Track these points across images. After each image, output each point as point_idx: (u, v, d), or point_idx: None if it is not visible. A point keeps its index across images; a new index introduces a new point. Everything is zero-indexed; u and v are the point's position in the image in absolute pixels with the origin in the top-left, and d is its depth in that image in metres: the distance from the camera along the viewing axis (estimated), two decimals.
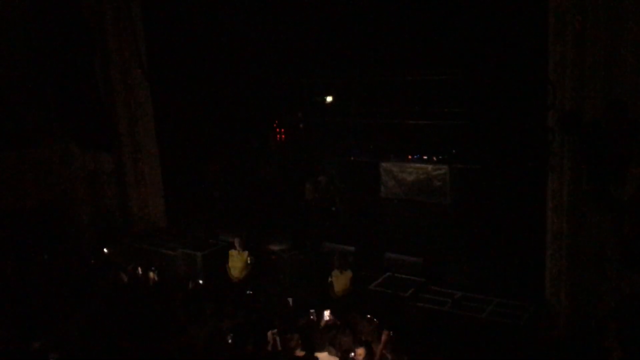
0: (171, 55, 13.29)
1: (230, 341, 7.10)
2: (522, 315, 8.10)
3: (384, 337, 6.88)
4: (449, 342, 7.55)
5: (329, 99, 19.40)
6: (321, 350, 6.67)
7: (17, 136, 11.23)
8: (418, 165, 14.91)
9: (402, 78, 16.12)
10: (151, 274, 9.95)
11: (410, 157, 15.42)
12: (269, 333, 7.18)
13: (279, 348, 6.93)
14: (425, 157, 15.13)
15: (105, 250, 11.03)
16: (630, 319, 6.84)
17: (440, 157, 15.03)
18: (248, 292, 9.67)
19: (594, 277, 7.74)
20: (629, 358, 6.15)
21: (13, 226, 10.91)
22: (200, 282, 9.48)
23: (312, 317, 7.76)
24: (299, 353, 6.78)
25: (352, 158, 17.84)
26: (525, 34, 6.96)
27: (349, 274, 9.34)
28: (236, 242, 10.46)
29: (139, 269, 10.02)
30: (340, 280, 9.30)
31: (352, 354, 6.51)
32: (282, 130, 18.29)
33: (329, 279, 9.41)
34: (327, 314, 7.90)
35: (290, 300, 8.26)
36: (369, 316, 7.82)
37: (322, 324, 7.74)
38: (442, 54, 13.72)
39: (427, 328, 8.03)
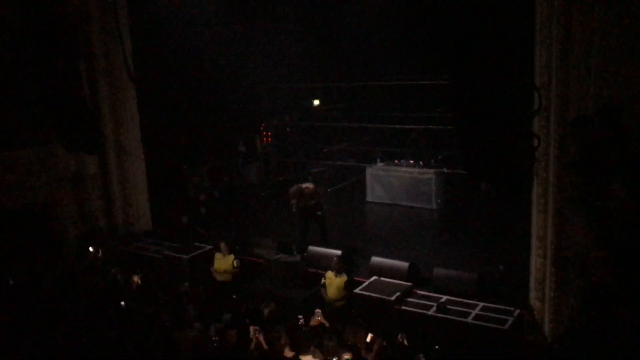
0: (157, 58, 13.24)
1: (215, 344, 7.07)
2: (507, 320, 8.15)
3: (376, 347, 6.86)
4: (434, 345, 7.55)
5: (316, 102, 19.47)
6: (306, 352, 6.63)
7: (1, 138, 11.10)
8: (404, 169, 14.98)
9: (389, 83, 16.25)
10: (135, 278, 9.86)
11: (396, 161, 15.49)
12: (251, 328, 7.13)
13: (265, 347, 6.89)
14: (411, 162, 15.20)
15: (90, 249, 10.90)
16: (614, 322, 6.89)
17: (426, 161, 15.13)
18: (234, 296, 9.63)
19: (578, 281, 7.80)
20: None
21: None
22: (186, 285, 9.39)
23: (300, 320, 7.73)
24: (288, 353, 6.74)
25: (338, 162, 17.91)
26: (512, 39, 7.01)
27: (343, 278, 9.26)
28: (222, 245, 10.41)
29: (119, 273, 9.93)
30: (333, 284, 9.24)
31: (336, 358, 6.47)
32: (269, 133, 18.30)
33: (322, 281, 9.38)
34: (318, 314, 7.86)
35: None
36: (357, 321, 7.81)
37: (313, 323, 7.71)
38: (428, 60, 13.84)
39: (412, 332, 8.02)
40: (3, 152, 11.12)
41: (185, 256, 10.93)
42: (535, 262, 8.44)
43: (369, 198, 15.42)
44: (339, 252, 10.36)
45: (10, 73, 11.01)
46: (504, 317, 8.23)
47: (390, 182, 15.06)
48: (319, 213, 11.77)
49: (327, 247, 11.03)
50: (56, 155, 11.80)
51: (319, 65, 17.99)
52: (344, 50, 17.67)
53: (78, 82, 10.77)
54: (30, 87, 11.06)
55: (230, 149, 17.44)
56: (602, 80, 7.20)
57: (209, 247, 11.23)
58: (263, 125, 18.24)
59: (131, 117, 12.36)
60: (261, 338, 6.94)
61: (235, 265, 10.23)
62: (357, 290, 9.24)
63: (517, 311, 8.40)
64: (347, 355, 6.47)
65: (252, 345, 6.91)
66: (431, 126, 15.10)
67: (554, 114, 7.68)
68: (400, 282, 9.48)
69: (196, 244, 11.59)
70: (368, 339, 7.03)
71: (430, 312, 8.50)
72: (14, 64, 11.00)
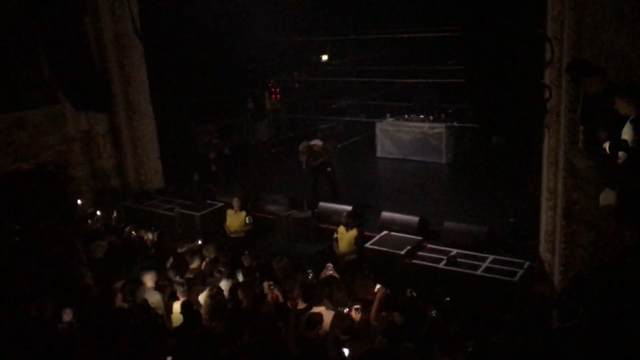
0: (164, 14, 13.08)
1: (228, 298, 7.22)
2: (517, 272, 8.22)
3: (379, 294, 7.00)
4: (444, 298, 7.66)
5: (325, 57, 19.23)
6: (319, 304, 6.77)
7: (11, 98, 11.12)
8: (414, 124, 14.88)
9: (398, 36, 15.98)
10: (150, 235, 10.01)
11: (407, 116, 15.38)
12: (265, 284, 7.31)
13: (281, 300, 7.06)
14: (421, 117, 15.09)
15: (98, 212, 11.04)
16: (623, 275, 6.93)
17: (436, 116, 15.01)
18: (246, 252, 9.75)
19: (588, 233, 7.82)
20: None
21: (9, 189, 10.89)
22: (199, 242, 9.53)
23: (310, 274, 7.86)
24: (301, 305, 6.89)
25: (348, 118, 17.82)
26: None
27: (354, 232, 9.41)
28: (234, 202, 10.51)
29: (133, 231, 10.09)
30: (345, 238, 9.40)
31: (347, 309, 6.62)
32: (278, 90, 18.16)
33: (335, 235, 9.52)
34: (330, 267, 7.99)
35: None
36: (366, 274, 7.93)
37: (323, 275, 7.84)
38: (439, 11, 13.58)
39: (422, 285, 8.13)
40: (14, 113, 11.16)
41: (197, 213, 11.05)
42: (545, 214, 8.45)
43: (378, 153, 15.39)
44: (349, 207, 10.43)
45: (16, 33, 10.96)
46: (514, 269, 8.30)
47: (400, 137, 14.99)
48: (329, 169, 11.80)
49: (337, 202, 11.10)
50: (66, 114, 11.84)
51: (327, 19, 17.70)
52: (352, 3, 17.34)
53: (84, 40, 10.70)
54: (37, 46, 11.02)
55: (239, 106, 17.36)
56: (615, 30, 7.04)
57: (221, 204, 11.33)
58: (271, 81, 18.08)
59: (139, 75, 12.31)
60: (277, 292, 7.11)
61: (247, 221, 10.35)
62: (367, 245, 9.33)
63: (527, 263, 8.47)
64: (356, 305, 6.63)
65: (269, 299, 7.07)
66: (442, 79, 14.92)
67: (566, 65, 7.55)
68: (411, 236, 9.54)
69: (208, 201, 11.69)
70: (376, 290, 7.16)
71: (441, 265, 8.58)
72: (19, 24, 10.93)
